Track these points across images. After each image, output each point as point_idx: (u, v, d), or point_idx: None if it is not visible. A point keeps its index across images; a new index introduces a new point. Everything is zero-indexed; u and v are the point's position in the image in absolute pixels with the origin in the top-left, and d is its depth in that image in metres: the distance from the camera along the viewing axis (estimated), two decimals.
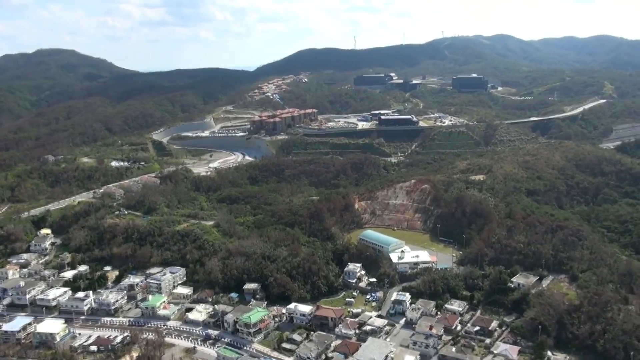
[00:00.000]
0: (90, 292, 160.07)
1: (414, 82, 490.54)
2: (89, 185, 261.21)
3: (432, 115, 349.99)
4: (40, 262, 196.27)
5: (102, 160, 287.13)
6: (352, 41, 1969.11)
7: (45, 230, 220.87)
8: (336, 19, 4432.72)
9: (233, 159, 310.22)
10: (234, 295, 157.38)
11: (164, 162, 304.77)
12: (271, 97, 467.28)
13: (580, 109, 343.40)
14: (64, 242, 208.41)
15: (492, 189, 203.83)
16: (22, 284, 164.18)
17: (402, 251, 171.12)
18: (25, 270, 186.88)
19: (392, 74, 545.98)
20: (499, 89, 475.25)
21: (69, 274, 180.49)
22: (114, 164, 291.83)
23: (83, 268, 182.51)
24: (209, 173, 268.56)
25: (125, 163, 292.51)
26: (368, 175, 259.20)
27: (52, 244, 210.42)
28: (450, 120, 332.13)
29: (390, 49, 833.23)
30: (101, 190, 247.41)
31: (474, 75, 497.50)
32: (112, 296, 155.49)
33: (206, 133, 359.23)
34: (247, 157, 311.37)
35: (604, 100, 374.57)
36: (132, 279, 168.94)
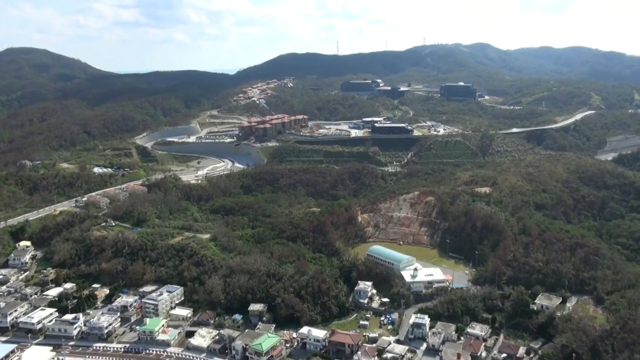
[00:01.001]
0: (80, 314, 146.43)
1: (402, 89, 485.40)
2: (70, 193, 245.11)
3: (425, 124, 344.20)
4: (20, 278, 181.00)
5: (84, 167, 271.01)
6: (330, 46, 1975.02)
7: (25, 243, 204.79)
8: (313, 24, 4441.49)
9: (222, 166, 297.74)
10: (238, 317, 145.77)
11: (149, 168, 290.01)
12: (257, 102, 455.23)
13: (572, 120, 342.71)
14: (45, 255, 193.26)
15: (499, 202, 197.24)
16: (1, 304, 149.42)
17: (415, 269, 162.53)
18: (3, 287, 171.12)
19: (379, 81, 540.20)
20: (486, 97, 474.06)
21: (53, 292, 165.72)
22: (96, 170, 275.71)
23: (69, 286, 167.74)
24: (199, 181, 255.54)
25: (109, 169, 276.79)
26: (366, 185, 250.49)
27: (33, 257, 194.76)
28: (445, 129, 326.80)
29: (373, 55, 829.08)
30: (84, 199, 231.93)
31: (461, 83, 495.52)
32: (104, 319, 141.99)
33: (192, 138, 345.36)
34: (236, 164, 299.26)
35: (593, 112, 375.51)
36: (125, 299, 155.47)
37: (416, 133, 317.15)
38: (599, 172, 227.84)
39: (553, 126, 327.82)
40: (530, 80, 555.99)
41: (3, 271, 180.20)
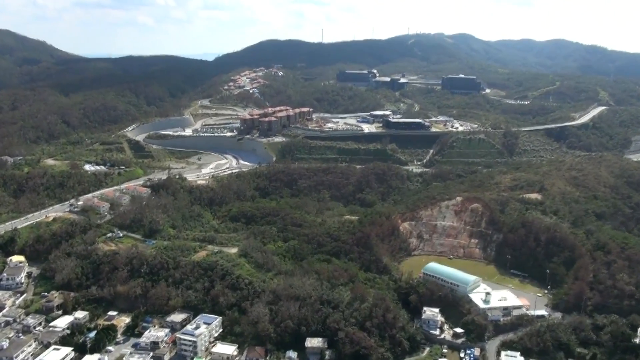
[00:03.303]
0: (105, 357, 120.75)
1: (402, 81, 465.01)
2: (61, 195, 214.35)
3: (438, 119, 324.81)
4: (17, 302, 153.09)
5: (75, 164, 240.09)
6: (300, 33, 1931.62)
7: (18, 258, 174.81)
8: (281, 10, 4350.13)
9: (226, 163, 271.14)
10: (292, 354, 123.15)
11: (145, 165, 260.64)
12: (250, 91, 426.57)
13: (589, 117, 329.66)
14: (43, 273, 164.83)
15: (555, 211, 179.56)
16: (4, 344, 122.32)
17: (488, 293, 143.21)
18: None
19: (375, 71, 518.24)
20: (487, 90, 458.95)
21: (62, 323, 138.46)
22: (88, 167, 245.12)
23: (81, 314, 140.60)
24: (207, 182, 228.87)
25: (102, 167, 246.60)
26: (393, 187, 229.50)
27: (28, 275, 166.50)
28: (461, 125, 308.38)
29: (358, 44, 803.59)
30: (80, 203, 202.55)
31: (462, 75, 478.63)
32: None
33: (188, 131, 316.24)
34: (241, 162, 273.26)
35: (605, 107, 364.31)
36: (154, 332, 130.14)
37: (434, 129, 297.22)
38: None
39: (572, 123, 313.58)
40: (528, 74, 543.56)
41: None
